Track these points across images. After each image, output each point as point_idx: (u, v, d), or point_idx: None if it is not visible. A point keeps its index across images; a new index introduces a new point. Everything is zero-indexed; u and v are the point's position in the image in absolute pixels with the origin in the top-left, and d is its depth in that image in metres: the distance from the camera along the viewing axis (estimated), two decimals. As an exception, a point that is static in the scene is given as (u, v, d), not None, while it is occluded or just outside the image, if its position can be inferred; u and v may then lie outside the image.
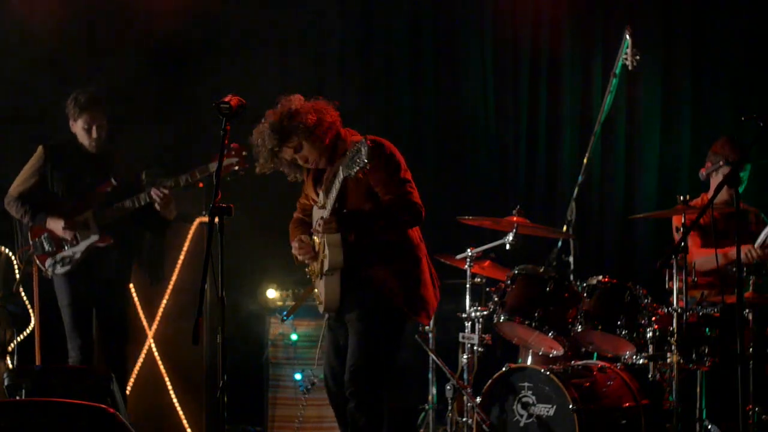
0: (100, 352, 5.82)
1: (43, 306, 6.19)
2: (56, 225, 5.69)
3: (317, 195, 4.73)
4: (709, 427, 5.22)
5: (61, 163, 5.78)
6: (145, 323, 6.49)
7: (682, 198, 5.35)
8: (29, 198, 5.77)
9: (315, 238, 4.68)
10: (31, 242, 5.74)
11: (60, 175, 5.76)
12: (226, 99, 4.21)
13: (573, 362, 5.55)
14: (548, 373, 5.26)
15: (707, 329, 5.27)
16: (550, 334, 5.41)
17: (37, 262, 5.76)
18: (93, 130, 5.74)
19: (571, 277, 5.86)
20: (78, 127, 5.76)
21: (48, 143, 5.84)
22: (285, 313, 5.89)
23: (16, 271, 6.16)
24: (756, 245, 5.62)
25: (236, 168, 5.55)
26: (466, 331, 5.77)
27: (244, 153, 5.52)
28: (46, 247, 5.70)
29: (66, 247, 5.69)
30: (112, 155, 5.83)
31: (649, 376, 5.30)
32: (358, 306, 4.57)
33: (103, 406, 3.77)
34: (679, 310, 5.20)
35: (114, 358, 5.80)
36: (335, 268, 4.54)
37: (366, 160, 4.15)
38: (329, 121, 4.61)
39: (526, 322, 5.43)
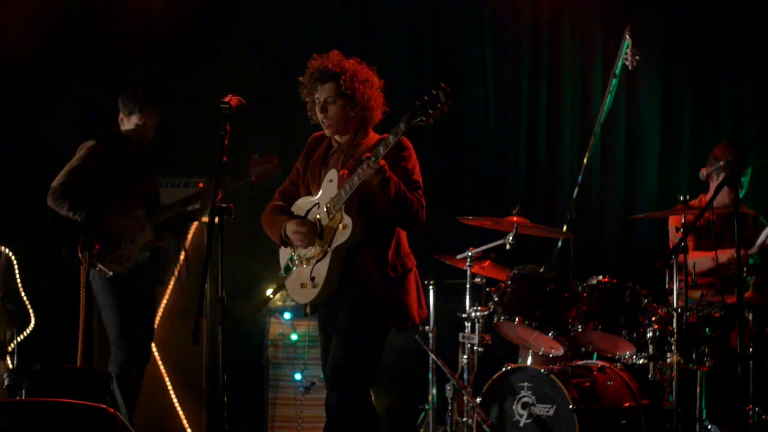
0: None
1: (48, 305, 6.20)
2: (116, 223, 5.59)
3: (319, 178, 4.55)
4: (709, 427, 5.22)
5: (110, 160, 5.65)
6: (145, 323, 6.49)
7: (682, 198, 5.35)
8: (78, 194, 5.57)
9: (319, 217, 4.50)
10: (83, 240, 5.55)
11: (108, 173, 5.63)
12: (227, 99, 4.21)
13: (573, 362, 5.55)
14: (548, 373, 5.26)
15: (707, 329, 5.27)
16: (550, 334, 5.41)
17: (95, 260, 5.57)
18: (148, 126, 5.72)
19: (571, 277, 5.86)
20: (131, 122, 5.69)
21: (95, 139, 5.69)
22: (254, 308, 5.82)
23: (17, 271, 6.15)
24: (756, 246, 5.63)
25: (269, 172, 5.84)
26: (466, 331, 5.76)
27: (276, 161, 5.83)
28: (103, 245, 5.57)
29: (123, 246, 5.61)
30: (149, 155, 5.80)
31: (649, 376, 5.30)
32: (350, 297, 4.47)
33: (103, 406, 3.77)
34: (679, 310, 5.20)
35: (140, 362, 5.78)
36: (355, 241, 4.38)
37: (444, 104, 4.04)
38: (379, 101, 4.54)
39: (526, 322, 5.43)
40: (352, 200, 4.38)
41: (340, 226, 4.42)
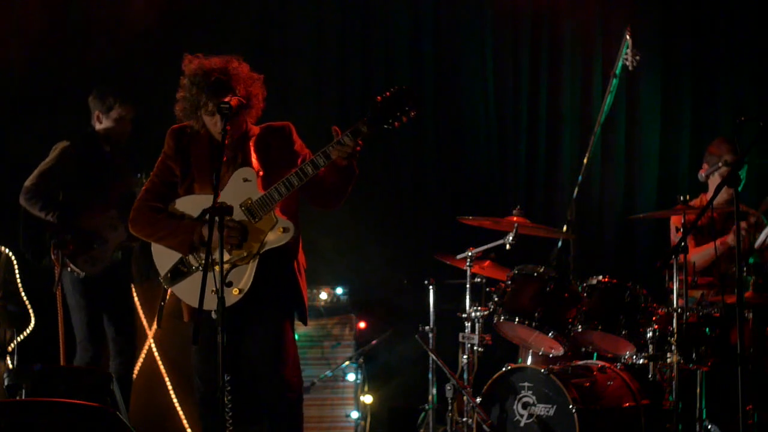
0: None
1: (47, 307, 6.19)
2: (89, 223, 5.61)
3: (211, 176, 4.26)
4: (709, 427, 5.22)
5: (83, 160, 5.67)
6: (145, 323, 6.49)
7: (682, 198, 5.36)
8: (51, 194, 5.61)
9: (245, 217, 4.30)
10: (56, 241, 5.60)
11: (82, 173, 5.65)
12: (227, 99, 4.21)
13: (573, 362, 5.55)
14: (548, 373, 5.26)
15: (707, 329, 5.27)
16: (550, 334, 5.41)
17: (68, 261, 5.62)
18: (127, 121, 5.74)
19: (571, 277, 5.86)
20: (110, 118, 5.71)
21: (69, 140, 5.72)
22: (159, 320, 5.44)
23: (16, 271, 6.14)
24: (756, 245, 5.63)
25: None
26: (466, 331, 5.76)
27: None
28: (76, 245, 5.60)
29: (95, 246, 5.64)
30: (126, 154, 5.82)
31: (649, 376, 5.30)
32: (274, 306, 4.43)
33: (103, 406, 3.78)
34: (679, 310, 5.20)
35: (125, 362, 5.82)
36: (288, 238, 4.30)
37: (412, 108, 4.07)
38: (261, 97, 4.48)
39: (526, 322, 5.43)
40: (289, 200, 4.29)
41: (278, 229, 4.28)
